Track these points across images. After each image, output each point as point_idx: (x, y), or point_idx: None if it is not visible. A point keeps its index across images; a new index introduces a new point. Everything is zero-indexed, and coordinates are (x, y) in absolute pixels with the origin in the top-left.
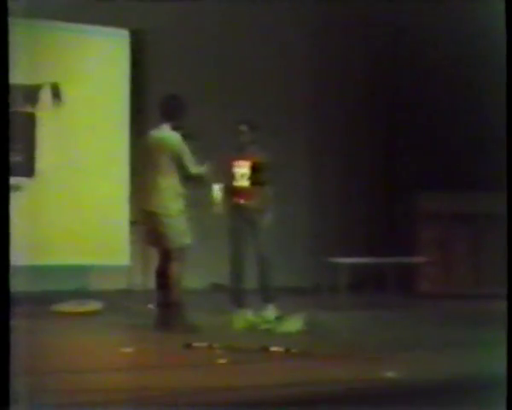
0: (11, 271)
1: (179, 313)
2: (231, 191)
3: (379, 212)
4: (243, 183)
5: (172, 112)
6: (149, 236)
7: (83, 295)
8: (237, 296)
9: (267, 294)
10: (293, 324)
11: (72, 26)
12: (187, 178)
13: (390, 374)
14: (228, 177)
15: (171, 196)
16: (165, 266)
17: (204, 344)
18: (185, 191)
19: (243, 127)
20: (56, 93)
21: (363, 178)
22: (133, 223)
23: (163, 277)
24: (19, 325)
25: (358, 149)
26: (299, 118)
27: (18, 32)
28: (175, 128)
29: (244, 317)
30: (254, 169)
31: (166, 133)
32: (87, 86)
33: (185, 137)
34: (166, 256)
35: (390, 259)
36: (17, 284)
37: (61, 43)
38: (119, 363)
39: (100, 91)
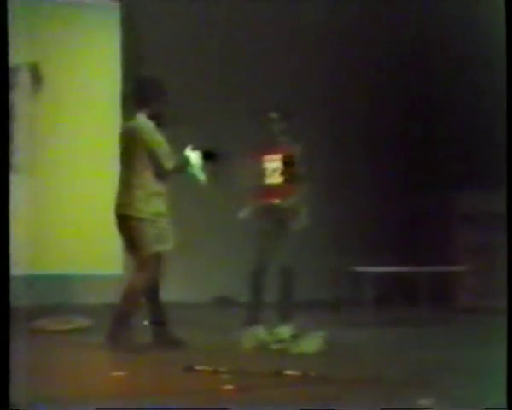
0: None
1: (161, 327)
2: (261, 190)
3: (408, 215)
4: (275, 179)
5: (147, 97)
6: (124, 242)
7: (68, 309)
8: (254, 312)
9: (286, 311)
10: (311, 343)
11: None
12: (163, 175)
13: (422, 402)
14: (257, 174)
15: (142, 196)
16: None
17: (208, 367)
18: (162, 190)
19: (274, 115)
20: (36, 75)
21: (389, 179)
22: None
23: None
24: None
25: (384, 150)
26: (321, 120)
27: None
28: (152, 117)
29: (255, 335)
30: (287, 163)
31: (138, 123)
32: (72, 66)
33: (161, 125)
34: (144, 264)
35: (422, 268)
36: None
37: (41, 17)
38: (109, 390)
39: (87, 72)
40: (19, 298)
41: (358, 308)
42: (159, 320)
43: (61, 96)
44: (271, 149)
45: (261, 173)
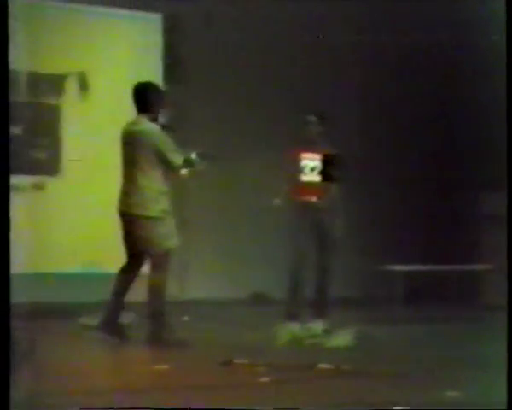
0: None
1: (164, 325)
2: (298, 187)
3: (439, 214)
4: (314, 177)
5: (150, 102)
6: (128, 240)
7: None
8: (291, 309)
9: (321, 309)
10: (343, 338)
11: (101, 9)
12: (172, 171)
13: (450, 394)
14: (294, 170)
15: (152, 196)
16: (133, 271)
17: (245, 361)
18: (168, 189)
19: (312, 118)
20: (83, 83)
21: (420, 179)
22: None
23: (124, 278)
24: (42, 339)
25: (415, 149)
26: (353, 117)
27: (43, 17)
28: (153, 120)
29: (289, 331)
30: (327, 162)
31: (145, 126)
32: (116, 76)
33: (164, 128)
34: (139, 262)
35: (451, 266)
36: (37, 294)
37: (88, 29)
38: (152, 382)
39: (130, 81)
40: (63, 295)
41: (389, 305)
42: (159, 319)
43: (106, 103)
44: (310, 148)
45: (299, 170)
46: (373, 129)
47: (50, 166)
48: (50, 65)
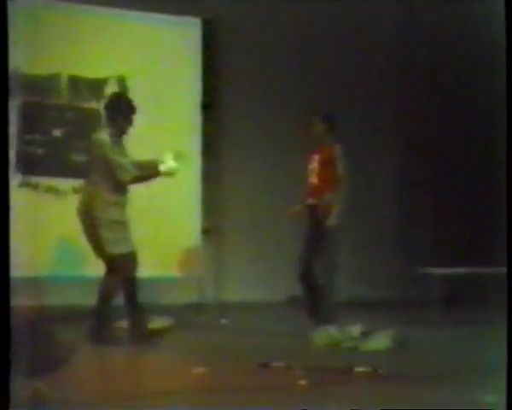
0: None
1: (105, 326)
2: (305, 189)
3: (479, 214)
4: (313, 179)
5: (117, 114)
6: (88, 243)
7: (151, 310)
8: (312, 311)
9: (328, 311)
10: (381, 341)
11: (140, 15)
12: (119, 186)
13: (489, 398)
14: (306, 173)
15: (100, 205)
16: (108, 273)
17: (282, 364)
18: (119, 199)
19: (315, 119)
20: (123, 87)
21: (459, 176)
22: (206, 231)
23: (103, 284)
24: (83, 343)
25: (451, 145)
26: (383, 117)
27: (82, 23)
28: (117, 132)
29: (326, 333)
30: (323, 164)
31: (100, 137)
32: (155, 80)
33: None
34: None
35: (491, 269)
36: (75, 298)
37: (128, 34)
38: (190, 385)
39: (169, 86)
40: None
41: (427, 308)
42: (136, 321)
43: (145, 107)
44: (316, 150)
45: (307, 173)
46: (402, 131)
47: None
48: (91, 69)
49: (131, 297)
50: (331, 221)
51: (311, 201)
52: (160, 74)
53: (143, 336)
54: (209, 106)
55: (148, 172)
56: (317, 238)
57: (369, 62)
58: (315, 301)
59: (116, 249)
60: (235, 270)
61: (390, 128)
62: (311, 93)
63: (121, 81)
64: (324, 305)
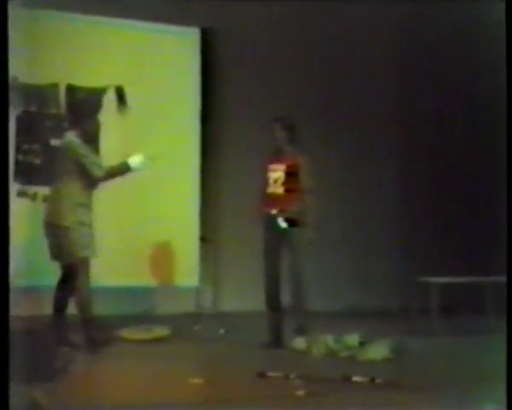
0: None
1: (88, 329)
2: (264, 199)
3: (480, 223)
4: (276, 189)
5: (80, 117)
6: (51, 249)
7: (148, 319)
8: (274, 323)
9: (300, 323)
10: (379, 350)
11: (138, 24)
12: (93, 183)
13: (488, 407)
14: (263, 182)
15: (69, 206)
16: (66, 281)
17: (280, 374)
18: (87, 201)
19: (278, 125)
20: (121, 97)
21: (457, 184)
22: (203, 240)
23: (61, 292)
24: (81, 352)
25: (451, 152)
26: (385, 124)
27: (80, 32)
28: (82, 134)
29: (324, 343)
30: (290, 174)
31: (68, 139)
32: (154, 89)
33: (87, 141)
34: (67, 271)
35: (491, 278)
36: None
37: (126, 43)
38: (188, 395)
39: (168, 95)
40: (101, 308)
41: (426, 317)
42: (90, 325)
43: (144, 116)
44: (277, 159)
45: (266, 182)
46: (404, 139)
47: None
48: (89, 79)
49: (87, 305)
50: (309, 235)
51: (274, 212)
52: (158, 83)
53: (96, 345)
54: (208, 115)
55: (119, 167)
56: (280, 250)
57: (371, 67)
58: (277, 316)
59: (82, 253)
60: (233, 279)
61: (391, 136)
62: (311, 101)
63: (120, 91)
64: (296, 318)
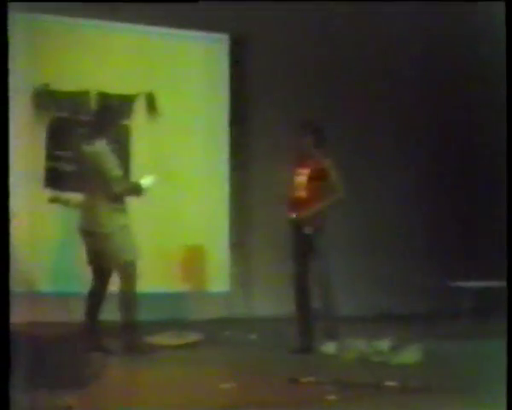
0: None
1: (136, 335)
2: (290, 204)
3: (502, 228)
4: (300, 193)
5: (104, 123)
6: (92, 255)
7: (180, 325)
8: (304, 328)
9: (330, 327)
10: (411, 355)
11: (167, 30)
12: (114, 195)
13: None
14: (290, 187)
15: (106, 212)
16: (101, 287)
17: (311, 379)
18: (122, 205)
19: (304, 130)
20: (152, 104)
21: (487, 186)
22: (234, 245)
23: (94, 298)
24: (113, 358)
25: (477, 155)
26: (410, 128)
27: (110, 39)
28: (108, 142)
29: (355, 347)
30: (314, 178)
31: (96, 147)
32: (184, 96)
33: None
34: (103, 277)
35: None
36: (108, 313)
37: (156, 50)
38: (218, 400)
39: (197, 101)
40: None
41: (458, 321)
42: (132, 330)
43: (174, 122)
44: (304, 163)
45: (292, 187)
46: (428, 141)
47: None
48: (120, 86)
49: (132, 309)
50: (310, 229)
51: (294, 216)
52: (188, 90)
53: (137, 350)
54: (236, 121)
55: (133, 187)
56: (307, 254)
57: (400, 71)
58: (307, 321)
59: (127, 257)
60: (264, 284)
61: (415, 139)
62: (340, 108)
63: (150, 97)
64: (326, 322)
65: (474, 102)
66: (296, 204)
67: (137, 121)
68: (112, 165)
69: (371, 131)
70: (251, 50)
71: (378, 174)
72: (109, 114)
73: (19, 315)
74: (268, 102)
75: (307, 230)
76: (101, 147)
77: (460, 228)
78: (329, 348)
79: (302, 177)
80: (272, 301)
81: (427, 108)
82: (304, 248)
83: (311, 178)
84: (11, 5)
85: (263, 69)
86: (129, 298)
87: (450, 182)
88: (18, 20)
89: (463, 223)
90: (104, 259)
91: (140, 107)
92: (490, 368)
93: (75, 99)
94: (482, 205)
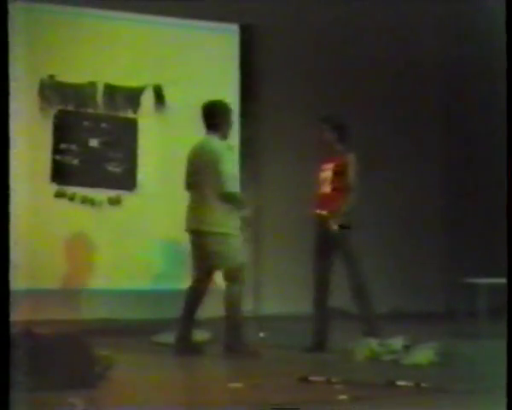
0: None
1: (240, 338)
2: (315, 200)
3: None
4: (325, 189)
5: (218, 121)
6: (200, 257)
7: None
8: (320, 326)
9: (369, 326)
10: (424, 354)
11: (177, 21)
12: (222, 198)
13: None
14: (316, 183)
15: (225, 212)
16: (204, 286)
17: (322, 378)
18: (234, 207)
19: (325, 126)
20: (160, 96)
21: (503, 182)
22: (243, 241)
23: (198, 297)
24: (118, 357)
25: (494, 152)
26: (429, 124)
27: (116, 30)
28: (222, 139)
29: (367, 346)
30: (337, 173)
31: (214, 145)
32: (192, 88)
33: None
34: (209, 277)
35: None
36: (110, 312)
37: (164, 41)
38: (227, 400)
39: (206, 93)
40: (135, 313)
41: (472, 320)
42: (237, 332)
43: (182, 116)
44: (328, 159)
45: (318, 183)
46: (448, 137)
47: (126, 181)
48: (127, 78)
49: (240, 308)
50: (333, 226)
51: (320, 211)
52: (196, 82)
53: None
54: (247, 114)
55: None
56: (330, 252)
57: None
58: (324, 319)
59: (242, 258)
60: (273, 282)
61: (434, 136)
62: (353, 100)
63: (158, 90)
64: (362, 319)
65: (493, 99)
66: (321, 200)
67: (145, 114)
68: (232, 163)
69: (393, 126)
70: (262, 41)
71: (392, 171)
72: (221, 111)
73: (19, 314)
74: (279, 92)
75: (334, 226)
76: (217, 143)
77: (476, 224)
78: (372, 344)
79: (326, 172)
80: (282, 299)
81: (441, 103)
82: (329, 245)
83: (335, 174)
84: None
85: (274, 60)
86: (237, 300)
87: (466, 178)
88: (22, 10)
89: (478, 220)
90: (217, 259)
91: (148, 99)
92: (504, 368)
93: (81, 91)
94: (499, 201)
